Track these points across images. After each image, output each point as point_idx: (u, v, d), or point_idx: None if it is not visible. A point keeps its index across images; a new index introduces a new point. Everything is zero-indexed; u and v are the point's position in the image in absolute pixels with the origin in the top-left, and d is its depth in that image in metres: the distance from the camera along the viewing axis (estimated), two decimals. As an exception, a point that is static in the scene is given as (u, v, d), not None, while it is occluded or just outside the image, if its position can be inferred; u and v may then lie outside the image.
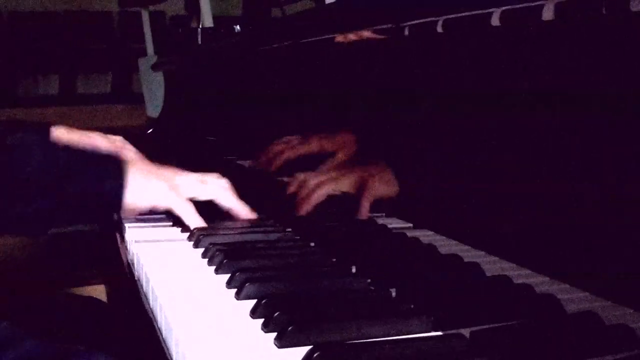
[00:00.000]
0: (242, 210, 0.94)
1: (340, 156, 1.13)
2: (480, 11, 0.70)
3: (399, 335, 0.53)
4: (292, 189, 1.02)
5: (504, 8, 0.66)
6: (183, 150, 1.83)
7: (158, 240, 0.86)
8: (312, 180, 0.98)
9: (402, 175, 0.91)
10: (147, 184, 0.90)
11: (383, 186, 0.92)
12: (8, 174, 0.85)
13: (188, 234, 0.87)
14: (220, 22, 2.90)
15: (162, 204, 0.90)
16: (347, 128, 1.10)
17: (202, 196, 0.93)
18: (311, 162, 1.12)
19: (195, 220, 0.89)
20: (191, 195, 0.92)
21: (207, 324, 0.57)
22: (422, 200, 0.89)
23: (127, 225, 0.94)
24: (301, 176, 1.02)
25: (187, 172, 0.96)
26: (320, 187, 0.96)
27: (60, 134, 1.20)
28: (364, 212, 0.92)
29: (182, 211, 0.90)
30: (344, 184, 0.95)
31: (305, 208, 0.95)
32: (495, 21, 0.68)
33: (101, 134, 1.27)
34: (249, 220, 0.94)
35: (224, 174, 1.28)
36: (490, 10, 0.67)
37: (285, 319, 0.54)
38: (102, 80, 6.77)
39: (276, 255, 0.76)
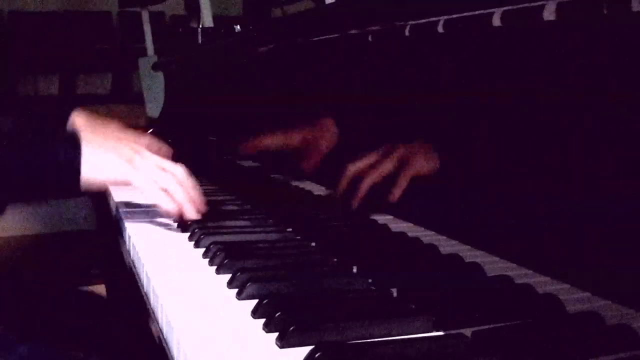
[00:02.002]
0: (188, 211, 0.91)
1: (324, 142, 1.15)
2: (481, 11, 0.70)
3: (400, 335, 0.53)
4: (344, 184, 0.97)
5: (505, 8, 0.66)
6: (183, 150, 1.83)
7: (159, 240, 0.86)
8: (351, 167, 0.95)
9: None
10: (101, 157, 0.90)
11: (424, 163, 0.88)
12: None
13: (189, 233, 0.87)
14: (220, 22, 2.90)
15: (118, 177, 0.90)
16: (346, 127, 1.10)
17: (158, 182, 0.91)
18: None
19: (154, 195, 0.89)
20: (147, 176, 0.91)
21: (209, 324, 0.57)
22: (423, 200, 0.89)
23: (126, 223, 0.94)
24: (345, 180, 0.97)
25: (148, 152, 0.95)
26: (366, 178, 0.92)
27: (81, 120, 1.29)
28: (399, 189, 0.89)
29: (143, 184, 0.90)
30: (387, 167, 0.91)
31: (356, 202, 0.93)
32: (496, 21, 0.68)
33: (118, 125, 1.27)
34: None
35: (225, 174, 1.28)
36: (492, 10, 0.67)
37: (286, 319, 0.54)
38: (102, 80, 6.77)
39: (277, 255, 0.76)
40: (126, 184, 0.91)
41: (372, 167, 0.92)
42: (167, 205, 0.90)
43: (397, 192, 0.89)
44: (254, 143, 1.27)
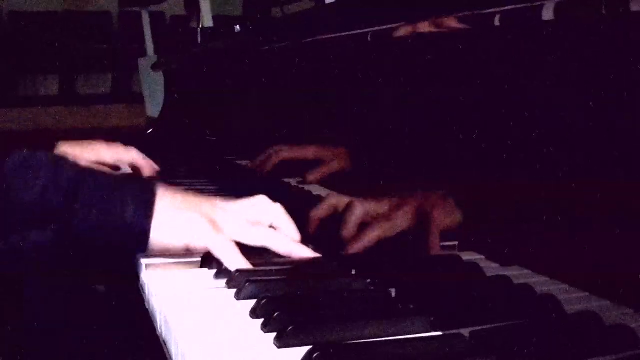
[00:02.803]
0: (300, 253, 0.75)
1: (336, 165, 1.10)
2: (480, 11, 0.69)
3: (398, 335, 0.53)
4: (322, 212, 0.86)
5: (504, 9, 0.66)
6: (183, 150, 1.83)
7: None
8: (357, 209, 0.80)
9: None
10: (179, 217, 0.72)
11: (448, 217, 0.76)
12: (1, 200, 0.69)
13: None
14: (220, 22, 2.90)
15: (198, 243, 0.72)
16: (346, 130, 1.10)
17: (250, 243, 0.74)
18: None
19: (239, 263, 0.70)
20: (236, 239, 0.73)
21: (207, 324, 0.57)
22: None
23: None
24: (333, 200, 0.86)
25: (228, 201, 0.78)
26: (372, 230, 0.77)
27: (65, 149, 1.15)
28: (435, 248, 0.76)
29: (224, 255, 0.71)
30: (401, 223, 0.78)
31: (357, 248, 0.77)
32: (495, 21, 0.68)
33: (103, 143, 1.25)
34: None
35: (224, 173, 1.28)
36: (491, 10, 0.67)
37: (285, 319, 0.54)
38: (102, 80, 6.77)
39: (276, 255, 0.76)
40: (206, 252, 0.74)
41: (384, 216, 0.79)
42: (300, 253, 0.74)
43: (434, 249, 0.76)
44: (271, 161, 1.22)
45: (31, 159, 0.70)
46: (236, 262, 0.70)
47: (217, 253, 0.71)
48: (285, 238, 0.75)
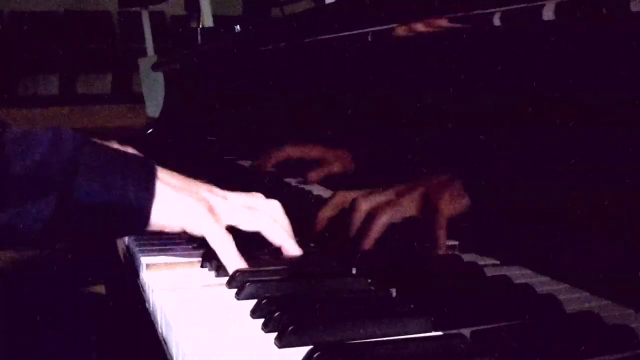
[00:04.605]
0: (292, 248, 0.75)
1: (338, 165, 1.09)
2: (480, 11, 0.69)
3: (399, 335, 0.53)
4: (329, 212, 0.85)
5: (504, 8, 0.66)
6: (183, 150, 1.83)
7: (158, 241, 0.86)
8: (363, 203, 0.79)
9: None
10: (180, 200, 0.71)
11: (455, 205, 0.75)
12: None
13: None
14: (220, 22, 2.90)
15: (195, 228, 0.72)
16: (346, 130, 1.10)
17: (246, 226, 0.74)
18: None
19: (234, 261, 0.70)
20: (232, 223, 0.74)
21: (207, 324, 0.57)
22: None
23: None
24: (340, 196, 0.85)
25: (226, 190, 0.77)
26: (379, 215, 0.77)
27: None
28: (441, 243, 0.74)
29: (218, 244, 0.71)
30: (408, 208, 0.77)
31: (368, 243, 0.76)
32: (495, 21, 0.68)
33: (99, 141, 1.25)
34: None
35: (224, 173, 1.28)
36: (491, 10, 0.67)
37: (285, 319, 0.54)
38: (102, 80, 6.78)
39: (276, 255, 0.76)
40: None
41: (389, 204, 0.78)
42: (292, 249, 0.75)
43: (441, 245, 0.75)
44: (273, 159, 1.22)
45: (31, 130, 0.69)
46: (229, 254, 0.70)
47: (212, 242, 0.71)
48: (280, 229, 0.75)
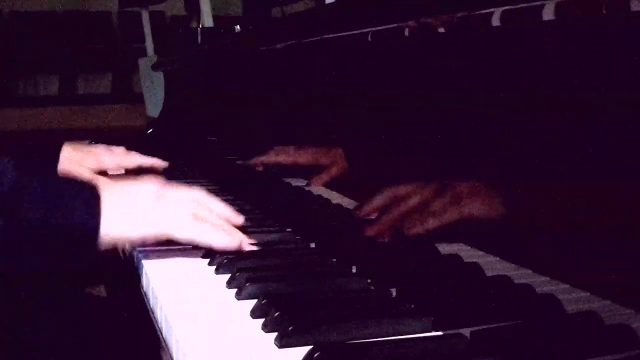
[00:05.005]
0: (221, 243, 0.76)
1: (335, 170, 1.11)
2: (480, 11, 0.70)
3: (399, 335, 0.53)
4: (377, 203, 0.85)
5: (504, 8, 0.66)
6: (183, 150, 1.83)
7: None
8: (390, 190, 0.82)
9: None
10: (127, 213, 0.73)
11: (481, 208, 0.74)
12: None
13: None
14: (220, 22, 2.90)
15: (153, 233, 0.74)
16: (346, 129, 1.10)
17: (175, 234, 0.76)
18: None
19: (220, 239, 0.74)
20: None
21: (208, 324, 0.57)
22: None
23: None
24: (378, 200, 0.85)
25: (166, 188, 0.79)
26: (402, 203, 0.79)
27: (68, 154, 1.17)
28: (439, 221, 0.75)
29: (191, 234, 0.74)
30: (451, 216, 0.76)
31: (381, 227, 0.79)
32: (495, 21, 0.68)
33: (105, 147, 1.26)
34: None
35: (225, 174, 1.28)
36: (491, 10, 0.67)
37: (285, 319, 0.54)
38: (102, 80, 6.77)
39: (276, 255, 0.76)
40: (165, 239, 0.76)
41: (415, 193, 0.79)
42: (221, 240, 0.76)
43: (433, 222, 0.76)
44: (264, 160, 1.25)
45: None
46: (212, 236, 0.74)
47: (176, 238, 0.74)
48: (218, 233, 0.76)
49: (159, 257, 0.78)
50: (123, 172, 1.26)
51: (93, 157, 1.22)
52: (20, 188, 0.69)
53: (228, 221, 0.80)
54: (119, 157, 1.25)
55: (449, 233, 0.76)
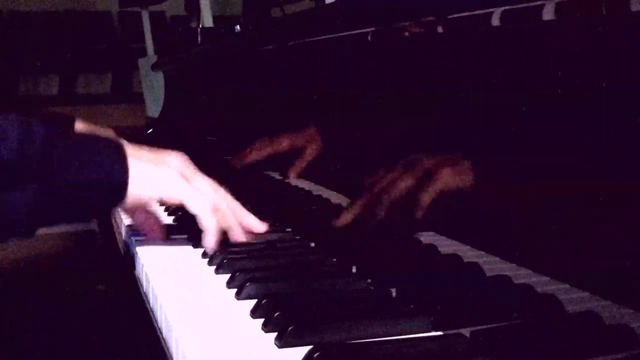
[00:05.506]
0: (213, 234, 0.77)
1: (310, 151, 1.14)
2: (480, 11, 0.70)
3: (399, 335, 0.53)
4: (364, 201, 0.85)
5: (504, 8, 0.66)
6: (183, 150, 1.83)
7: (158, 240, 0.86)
8: (370, 186, 0.82)
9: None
10: (152, 170, 0.75)
11: (452, 178, 0.76)
12: None
13: (187, 235, 0.87)
14: (220, 22, 2.90)
15: (171, 195, 0.76)
16: (346, 128, 1.10)
17: (204, 205, 0.78)
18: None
19: (212, 226, 0.75)
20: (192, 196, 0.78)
21: (208, 324, 0.57)
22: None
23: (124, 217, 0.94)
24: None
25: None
26: (384, 198, 0.80)
27: (81, 126, 1.19)
28: (421, 208, 0.77)
29: (198, 208, 0.76)
30: (407, 183, 0.79)
31: (373, 225, 0.80)
32: (495, 21, 0.68)
33: (113, 132, 1.28)
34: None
35: (224, 174, 1.28)
36: (490, 10, 0.67)
37: (285, 319, 0.54)
38: (102, 80, 6.77)
39: (276, 255, 0.76)
40: (177, 204, 0.77)
41: (392, 184, 0.81)
42: (214, 231, 0.77)
43: (419, 212, 0.77)
44: (243, 159, 1.30)
45: (1, 120, 0.71)
46: (208, 219, 0.75)
47: (191, 206, 0.75)
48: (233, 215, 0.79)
49: (159, 257, 0.78)
50: None
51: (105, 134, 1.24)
52: (52, 145, 0.70)
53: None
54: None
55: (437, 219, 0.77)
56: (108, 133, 1.25)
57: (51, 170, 0.69)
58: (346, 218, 0.85)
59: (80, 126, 1.21)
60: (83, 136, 0.78)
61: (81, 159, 0.71)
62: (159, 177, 0.75)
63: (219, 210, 0.78)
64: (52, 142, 0.71)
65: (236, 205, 0.81)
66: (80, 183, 0.70)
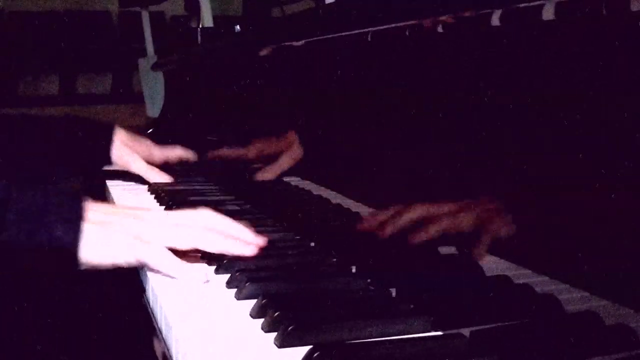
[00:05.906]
0: (235, 249, 0.74)
1: (286, 158, 1.17)
2: (480, 11, 0.70)
3: (399, 335, 0.53)
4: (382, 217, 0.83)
5: (504, 8, 0.66)
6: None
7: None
8: (417, 211, 0.79)
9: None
10: (107, 237, 0.71)
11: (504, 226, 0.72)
12: None
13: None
14: (220, 22, 2.90)
15: (129, 259, 0.71)
16: (346, 128, 1.10)
17: (180, 245, 0.73)
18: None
19: (182, 272, 0.70)
20: (165, 245, 0.73)
21: (207, 324, 0.57)
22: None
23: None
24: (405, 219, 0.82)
25: (158, 211, 0.78)
26: (435, 224, 0.77)
27: (122, 136, 1.24)
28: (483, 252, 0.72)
29: (159, 264, 0.71)
30: (464, 221, 0.75)
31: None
32: (495, 21, 0.68)
33: (150, 142, 1.31)
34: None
35: (224, 174, 1.28)
36: (490, 10, 0.67)
37: (285, 319, 0.54)
38: (102, 80, 6.77)
39: (276, 255, 0.76)
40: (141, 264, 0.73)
41: (449, 215, 0.77)
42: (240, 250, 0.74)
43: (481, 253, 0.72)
44: (215, 154, 1.36)
45: None
46: (174, 268, 0.70)
47: (153, 265, 0.71)
48: (215, 236, 0.74)
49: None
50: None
51: (145, 146, 1.28)
52: (5, 204, 0.68)
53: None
54: (165, 149, 1.32)
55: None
56: (146, 143, 1.29)
57: (3, 226, 0.67)
58: (370, 225, 0.83)
59: (120, 135, 1.25)
60: (41, 193, 0.71)
61: (33, 222, 0.68)
62: (114, 242, 0.71)
63: (209, 238, 0.74)
64: (7, 200, 0.68)
65: (227, 226, 0.77)
66: (28, 247, 0.68)
